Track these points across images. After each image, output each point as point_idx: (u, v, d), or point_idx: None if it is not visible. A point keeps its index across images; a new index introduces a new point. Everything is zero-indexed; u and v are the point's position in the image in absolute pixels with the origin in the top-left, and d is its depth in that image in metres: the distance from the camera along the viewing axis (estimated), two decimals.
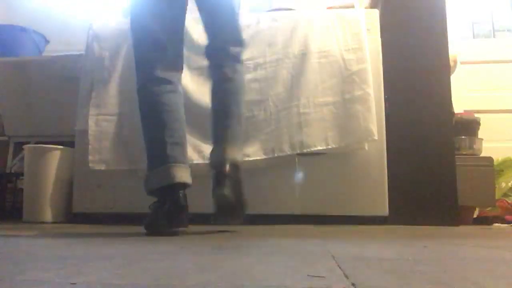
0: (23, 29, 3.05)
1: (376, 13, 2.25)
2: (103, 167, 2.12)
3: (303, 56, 2.13)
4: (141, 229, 1.50)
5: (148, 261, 0.86)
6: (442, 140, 2.23)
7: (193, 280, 0.63)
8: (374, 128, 2.04)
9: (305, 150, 2.04)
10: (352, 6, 2.39)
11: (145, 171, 1.58)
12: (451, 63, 2.50)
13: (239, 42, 1.69)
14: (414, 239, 1.46)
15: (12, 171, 2.67)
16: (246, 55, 2.19)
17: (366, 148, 2.08)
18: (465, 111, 2.90)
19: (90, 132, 2.15)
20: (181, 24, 1.68)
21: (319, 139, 2.06)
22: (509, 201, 2.65)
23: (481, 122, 2.59)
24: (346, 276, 0.64)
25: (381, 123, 2.11)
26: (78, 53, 2.50)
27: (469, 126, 2.54)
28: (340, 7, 2.39)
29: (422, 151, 2.21)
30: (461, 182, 2.18)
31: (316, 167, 2.09)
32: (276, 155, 2.07)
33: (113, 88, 2.20)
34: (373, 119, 2.05)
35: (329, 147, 2.06)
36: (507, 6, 3.74)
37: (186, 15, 1.69)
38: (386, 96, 2.17)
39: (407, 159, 2.20)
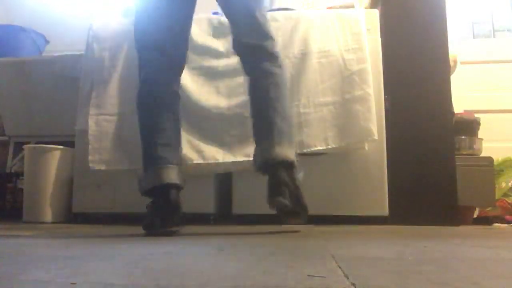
0: (23, 29, 3.05)
1: (376, 13, 2.25)
2: (103, 167, 2.12)
3: (303, 56, 2.13)
4: (141, 229, 1.50)
5: (148, 261, 0.86)
6: (442, 140, 2.23)
7: (193, 280, 0.63)
8: (374, 128, 2.04)
9: (305, 150, 2.04)
10: (352, 6, 2.39)
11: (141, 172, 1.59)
12: (451, 63, 2.49)
13: (263, 35, 1.60)
14: (414, 239, 1.46)
15: (12, 171, 2.67)
16: None
17: (366, 148, 2.08)
18: (465, 111, 2.90)
19: (90, 132, 2.15)
20: (187, 25, 1.67)
21: (319, 139, 2.06)
22: (509, 201, 2.65)
23: (481, 122, 2.59)
24: (346, 276, 0.64)
25: (381, 123, 2.11)
26: (78, 53, 2.50)
27: (469, 126, 2.54)
28: (340, 7, 2.39)
29: (422, 151, 2.21)
30: (461, 182, 2.18)
31: (316, 167, 2.09)
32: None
33: (113, 88, 2.20)
34: (373, 119, 2.05)
35: (329, 147, 2.05)
36: (507, 6, 3.74)
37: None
38: (386, 96, 2.17)
39: (407, 159, 2.20)
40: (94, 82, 2.22)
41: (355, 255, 0.96)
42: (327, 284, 0.59)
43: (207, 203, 2.14)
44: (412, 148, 2.22)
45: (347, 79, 2.09)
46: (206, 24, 2.21)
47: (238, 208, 2.13)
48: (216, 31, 2.20)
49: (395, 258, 0.91)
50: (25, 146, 2.37)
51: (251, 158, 2.04)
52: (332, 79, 2.10)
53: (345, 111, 2.07)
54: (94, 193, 2.20)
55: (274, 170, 1.49)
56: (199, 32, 2.17)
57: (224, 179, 2.21)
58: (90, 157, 2.12)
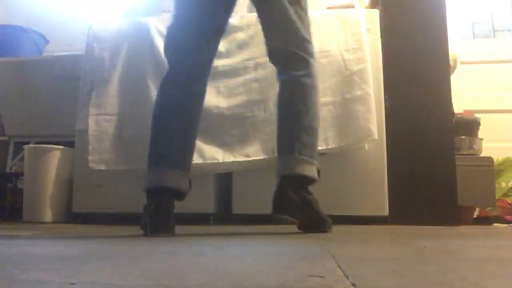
0: (23, 29, 3.05)
1: (376, 13, 2.25)
2: (103, 167, 2.12)
3: None
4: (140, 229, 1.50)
5: (148, 261, 0.86)
6: (442, 140, 2.23)
7: (193, 280, 0.63)
8: (374, 128, 2.04)
9: None
10: (352, 6, 2.39)
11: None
12: (451, 63, 2.49)
13: (298, 41, 1.55)
14: (414, 239, 1.46)
15: (12, 171, 2.68)
16: (246, 55, 2.20)
17: (366, 148, 2.08)
18: (465, 111, 2.90)
19: (90, 132, 2.15)
20: (220, 30, 1.63)
21: (319, 139, 2.06)
22: (509, 201, 2.65)
23: (481, 122, 2.59)
24: (346, 276, 0.64)
25: (381, 123, 2.11)
26: (78, 53, 2.50)
27: (469, 126, 2.54)
28: (340, 7, 2.39)
29: (422, 151, 2.21)
30: (461, 182, 2.17)
31: None
32: (276, 155, 2.06)
33: (113, 88, 2.20)
34: (373, 119, 2.05)
35: (329, 147, 2.05)
36: (507, 6, 3.74)
37: None
38: (386, 96, 2.17)
39: (407, 159, 2.20)
40: (94, 82, 2.22)
41: (355, 255, 0.96)
42: (327, 284, 0.58)
43: (207, 203, 2.14)
44: (412, 148, 2.22)
45: (347, 79, 2.09)
46: None
47: (238, 208, 2.13)
48: None
49: (395, 258, 0.91)
50: (25, 146, 2.37)
51: (251, 158, 2.05)
52: (332, 79, 2.10)
53: (345, 111, 2.07)
54: (94, 193, 2.20)
55: (282, 184, 1.50)
56: None
57: (224, 179, 2.21)
58: (90, 157, 2.12)
